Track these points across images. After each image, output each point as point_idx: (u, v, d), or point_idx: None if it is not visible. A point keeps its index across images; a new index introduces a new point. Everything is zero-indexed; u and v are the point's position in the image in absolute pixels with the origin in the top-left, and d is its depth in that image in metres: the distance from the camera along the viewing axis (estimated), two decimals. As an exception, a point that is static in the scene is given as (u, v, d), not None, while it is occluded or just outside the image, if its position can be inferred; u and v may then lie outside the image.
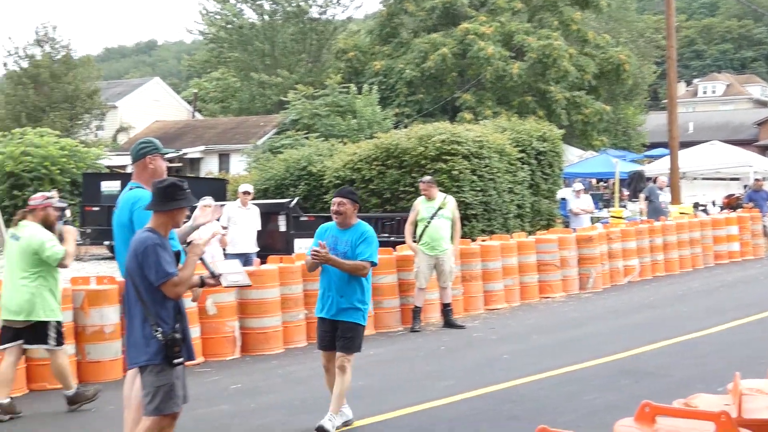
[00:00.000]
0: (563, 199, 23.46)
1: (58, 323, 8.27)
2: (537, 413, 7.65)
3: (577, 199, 20.70)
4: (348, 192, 7.68)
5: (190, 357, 5.84)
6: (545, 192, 21.82)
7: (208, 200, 7.09)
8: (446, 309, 12.72)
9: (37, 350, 8.45)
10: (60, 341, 8.27)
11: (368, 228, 7.58)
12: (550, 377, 9.24)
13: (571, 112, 37.40)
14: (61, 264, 8.11)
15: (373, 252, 7.45)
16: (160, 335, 5.54)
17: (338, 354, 7.40)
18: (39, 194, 8.66)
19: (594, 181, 38.61)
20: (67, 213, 14.68)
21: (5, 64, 44.13)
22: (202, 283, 5.97)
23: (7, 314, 8.15)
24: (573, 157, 35.64)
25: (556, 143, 22.35)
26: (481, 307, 13.99)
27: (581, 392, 8.51)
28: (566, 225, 20.76)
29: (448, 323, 12.63)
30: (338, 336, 7.40)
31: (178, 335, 5.60)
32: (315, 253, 7.29)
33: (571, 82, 37.14)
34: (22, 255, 8.10)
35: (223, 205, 15.37)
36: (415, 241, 12.67)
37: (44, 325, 8.13)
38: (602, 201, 32.66)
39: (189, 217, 6.43)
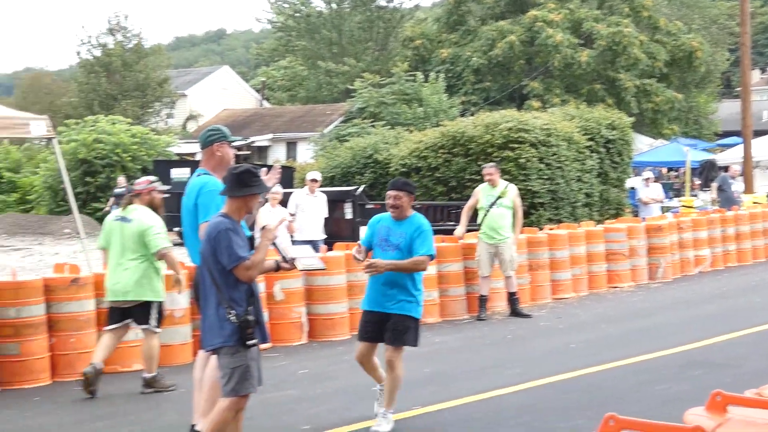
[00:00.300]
0: (632, 188, 23.17)
1: (161, 304, 8.51)
2: (604, 403, 7.56)
3: (646, 188, 20.43)
4: (403, 183, 7.36)
5: (264, 339, 5.91)
6: (614, 181, 21.57)
7: (277, 188, 7.18)
8: (512, 298, 12.65)
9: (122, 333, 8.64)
10: (159, 323, 8.50)
11: (424, 220, 7.30)
12: (619, 367, 9.16)
13: (642, 100, 36.85)
14: (159, 253, 8.31)
15: (431, 245, 7.17)
16: (233, 317, 5.63)
17: (386, 346, 7.09)
18: (143, 179, 8.95)
19: (664, 170, 38.02)
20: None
21: (78, 53, 45.10)
22: (278, 268, 6.05)
23: (113, 296, 8.40)
24: (643, 145, 35.12)
25: (626, 131, 22.06)
26: (549, 296, 13.90)
27: (650, 382, 8.41)
28: (635, 214, 20.51)
29: (515, 312, 12.57)
30: (387, 328, 7.03)
31: (251, 317, 5.67)
32: (371, 270, 6.91)
33: (641, 69, 36.58)
34: (132, 237, 8.33)
35: (290, 192, 15.52)
36: (476, 229, 12.63)
37: (149, 305, 8.38)
38: (672, 190, 32.18)
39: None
